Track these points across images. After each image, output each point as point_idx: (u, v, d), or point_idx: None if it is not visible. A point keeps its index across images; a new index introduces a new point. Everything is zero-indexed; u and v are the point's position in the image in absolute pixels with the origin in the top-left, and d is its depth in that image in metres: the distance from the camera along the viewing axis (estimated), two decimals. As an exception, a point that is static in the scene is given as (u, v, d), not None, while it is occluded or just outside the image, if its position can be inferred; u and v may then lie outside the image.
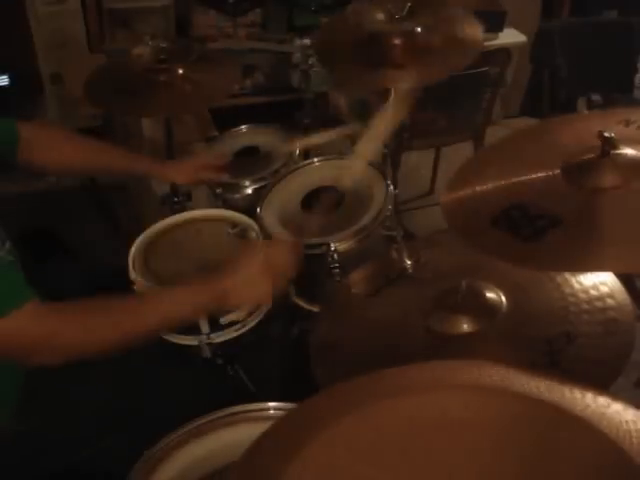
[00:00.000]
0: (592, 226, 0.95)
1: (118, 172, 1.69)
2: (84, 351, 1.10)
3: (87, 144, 1.63)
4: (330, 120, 3.03)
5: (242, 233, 1.56)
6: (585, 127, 1.12)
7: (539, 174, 1.05)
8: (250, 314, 1.47)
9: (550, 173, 1.04)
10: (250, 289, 1.26)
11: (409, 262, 1.29)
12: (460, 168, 1.18)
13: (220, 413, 1.12)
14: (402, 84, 1.57)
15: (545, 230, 0.94)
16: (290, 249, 1.33)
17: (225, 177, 1.82)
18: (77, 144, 1.61)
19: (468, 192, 1.10)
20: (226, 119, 2.23)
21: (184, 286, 1.27)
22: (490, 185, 1.09)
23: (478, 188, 1.09)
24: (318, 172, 1.75)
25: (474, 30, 1.77)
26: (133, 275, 1.46)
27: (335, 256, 1.51)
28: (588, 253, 0.93)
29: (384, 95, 1.74)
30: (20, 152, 1.47)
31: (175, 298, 1.23)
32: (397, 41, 1.75)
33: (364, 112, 2.77)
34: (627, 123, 1.08)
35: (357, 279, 1.36)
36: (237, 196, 1.84)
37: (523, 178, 1.06)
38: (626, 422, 0.60)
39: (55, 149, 1.55)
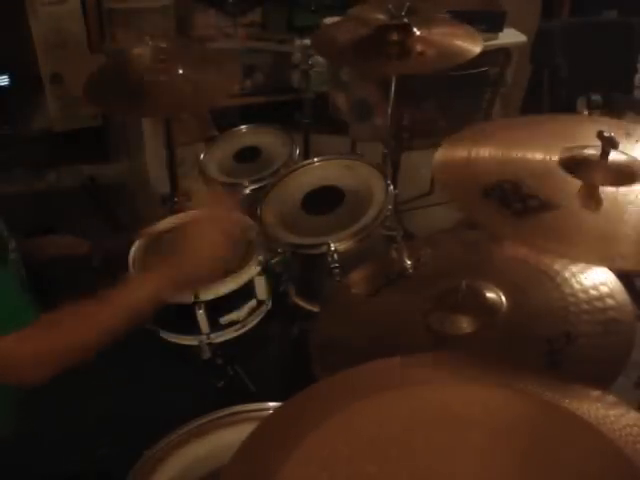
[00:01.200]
0: (581, 218, 0.95)
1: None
2: (68, 360, 1.11)
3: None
4: (330, 120, 3.04)
5: (242, 233, 1.56)
6: (583, 126, 1.13)
7: (537, 156, 1.05)
8: (250, 313, 1.47)
9: (548, 158, 1.05)
10: (207, 252, 1.26)
11: (409, 262, 1.29)
12: (465, 130, 1.17)
13: (220, 413, 1.12)
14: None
15: (536, 210, 0.95)
16: (225, 198, 1.35)
17: (222, 176, 1.81)
18: None
19: (463, 154, 1.10)
20: (226, 119, 2.23)
21: (144, 276, 1.29)
22: (487, 154, 1.09)
23: (474, 153, 1.09)
24: (318, 172, 1.75)
25: (471, 35, 1.79)
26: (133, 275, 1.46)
27: (335, 256, 1.51)
28: (570, 241, 0.93)
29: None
30: None
31: (139, 289, 1.22)
32: (395, 37, 1.76)
33: (364, 112, 2.77)
34: (627, 136, 1.08)
35: (357, 279, 1.36)
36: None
37: (520, 155, 1.07)
38: (627, 425, 0.60)
39: None
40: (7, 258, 1.24)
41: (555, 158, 1.04)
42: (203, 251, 1.26)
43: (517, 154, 1.07)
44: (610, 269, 1.10)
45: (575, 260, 1.10)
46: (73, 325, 1.14)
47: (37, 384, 1.11)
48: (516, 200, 0.96)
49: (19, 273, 1.29)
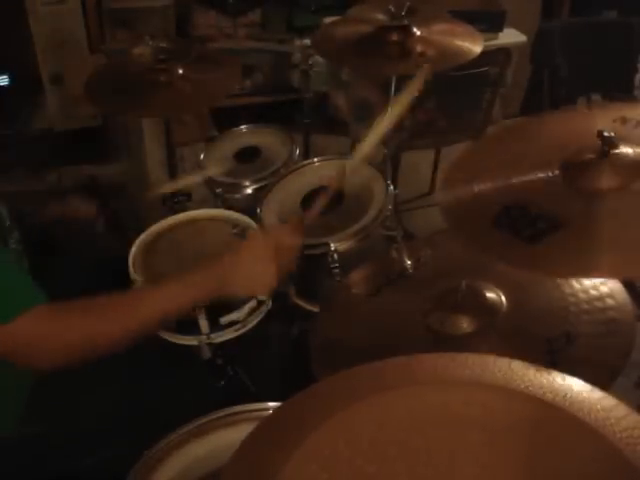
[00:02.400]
0: (593, 230, 0.94)
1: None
2: (84, 350, 1.09)
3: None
4: (330, 120, 3.04)
5: (242, 233, 1.56)
6: (581, 125, 1.12)
7: (538, 174, 1.05)
8: (250, 313, 1.47)
9: (549, 173, 1.04)
10: (254, 274, 1.22)
11: (409, 262, 1.29)
12: (454, 165, 1.17)
13: (220, 413, 1.12)
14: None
15: (545, 232, 0.94)
16: (293, 232, 1.29)
17: (221, 176, 1.81)
18: None
19: (466, 191, 1.09)
20: (226, 119, 2.23)
21: (181, 277, 1.22)
22: (488, 184, 1.08)
23: (476, 188, 1.09)
24: (318, 172, 1.75)
25: (471, 34, 1.79)
26: (133, 275, 1.46)
27: (335, 256, 1.51)
28: (589, 259, 0.92)
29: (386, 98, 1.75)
30: None
31: (172, 291, 1.19)
32: (395, 38, 1.76)
33: (364, 112, 2.77)
34: (623, 121, 1.07)
35: (357, 279, 1.36)
36: (237, 196, 1.84)
37: (522, 178, 1.06)
38: (628, 427, 0.60)
39: None
40: (7, 244, 1.23)
41: (556, 171, 1.04)
42: (254, 267, 1.21)
43: (518, 175, 1.06)
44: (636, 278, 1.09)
45: (600, 276, 1.08)
46: (97, 314, 1.11)
47: (47, 370, 1.08)
48: (525, 225, 0.95)
49: (21, 263, 1.28)
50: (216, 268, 1.21)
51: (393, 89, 2.03)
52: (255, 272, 1.22)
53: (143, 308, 1.15)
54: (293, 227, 1.30)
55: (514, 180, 1.06)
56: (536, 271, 1.01)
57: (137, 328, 1.13)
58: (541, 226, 0.94)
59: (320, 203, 1.35)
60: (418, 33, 1.78)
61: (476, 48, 1.75)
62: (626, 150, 1.00)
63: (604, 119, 1.08)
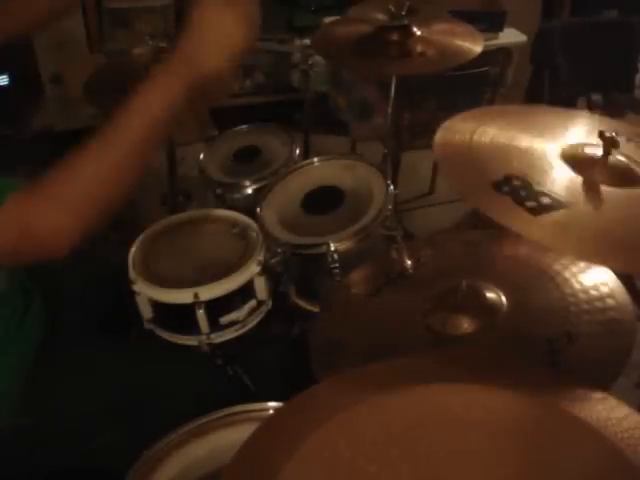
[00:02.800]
0: (594, 218, 0.94)
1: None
2: (91, 212, 0.96)
3: None
4: (330, 120, 3.04)
5: (242, 233, 1.56)
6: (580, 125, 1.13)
7: (539, 150, 1.04)
8: (250, 313, 1.47)
9: (550, 153, 1.03)
10: (224, 38, 1.05)
11: (409, 262, 1.29)
12: (462, 115, 1.15)
13: (220, 413, 1.12)
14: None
15: (549, 209, 0.93)
16: None
17: (221, 176, 1.79)
18: None
19: (465, 137, 1.07)
20: (226, 119, 2.23)
21: (151, 81, 1.07)
22: (488, 139, 1.06)
23: (476, 136, 1.06)
24: (318, 172, 1.75)
25: (472, 34, 1.79)
26: (133, 275, 1.46)
27: (335, 256, 1.51)
28: (589, 244, 0.91)
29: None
30: None
31: (149, 98, 1.04)
32: (395, 37, 1.76)
33: (364, 112, 2.77)
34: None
35: (357, 279, 1.35)
36: (237, 196, 1.84)
37: (523, 146, 1.05)
38: (629, 427, 0.60)
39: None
40: None
41: (557, 154, 1.03)
42: (219, 40, 1.04)
43: (520, 144, 1.05)
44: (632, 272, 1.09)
45: (593, 262, 1.08)
46: (88, 160, 0.98)
47: (63, 250, 0.95)
48: (529, 198, 0.95)
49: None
50: (181, 52, 1.05)
51: (393, 89, 2.03)
52: (224, 36, 1.05)
53: (130, 131, 1.00)
54: None
55: (515, 146, 1.05)
56: (535, 240, 0.99)
57: (135, 156, 0.99)
58: (544, 202, 0.94)
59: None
60: (418, 33, 1.79)
61: (476, 48, 1.75)
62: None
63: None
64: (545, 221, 0.91)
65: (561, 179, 0.99)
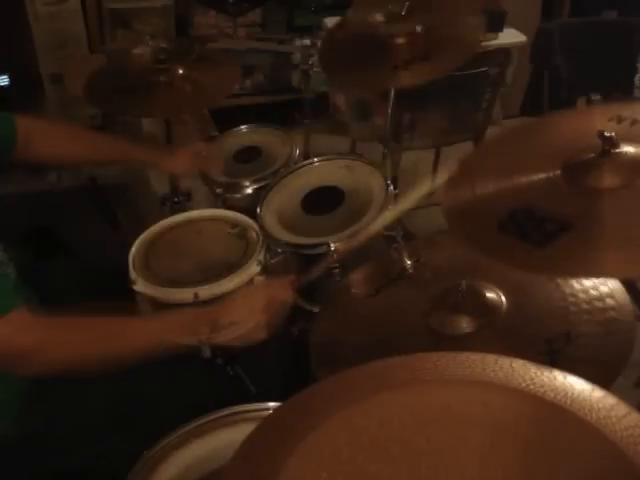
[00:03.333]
0: (599, 229, 0.94)
1: (118, 161, 1.76)
2: (67, 366, 1.10)
3: (86, 136, 1.67)
4: (330, 120, 3.04)
5: (242, 233, 1.56)
6: (577, 125, 1.12)
7: (540, 175, 1.04)
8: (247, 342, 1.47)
9: (551, 174, 1.03)
10: (244, 320, 1.24)
11: (409, 262, 1.29)
12: (456, 169, 1.16)
13: (220, 413, 1.12)
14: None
15: (555, 235, 0.93)
16: (287, 286, 1.32)
17: (221, 176, 1.82)
18: (76, 136, 1.62)
19: (468, 195, 1.08)
20: (226, 119, 2.23)
21: (173, 314, 1.27)
22: (491, 187, 1.08)
23: (478, 191, 1.08)
24: (318, 172, 1.75)
25: (474, 27, 1.78)
26: (133, 275, 1.46)
27: (335, 256, 1.51)
28: (597, 258, 0.91)
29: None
30: (17, 148, 1.45)
31: (164, 322, 1.22)
32: (398, 41, 1.75)
33: (364, 112, 2.77)
34: (619, 120, 1.06)
35: (357, 279, 1.36)
36: (237, 196, 1.84)
37: (524, 179, 1.05)
38: (629, 426, 0.60)
39: (53, 142, 1.54)
40: None
41: (558, 171, 1.03)
42: (243, 323, 1.23)
43: (520, 177, 1.05)
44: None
45: (611, 276, 1.07)
46: (92, 332, 1.13)
47: (31, 375, 1.10)
48: (533, 229, 0.94)
49: (5, 271, 1.28)
50: (210, 311, 1.25)
51: (393, 89, 2.03)
52: (245, 321, 1.23)
53: (136, 339, 1.17)
54: (287, 284, 1.32)
55: (515, 182, 1.06)
56: (547, 273, 1.00)
57: (124, 357, 1.13)
58: (550, 228, 0.94)
59: (318, 269, 1.37)
60: (419, 29, 1.77)
61: (477, 34, 1.74)
62: (626, 149, 1.00)
63: (600, 118, 1.07)
64: (553, 250, 0.92)
65: (566, 197, 0.99)
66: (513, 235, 0.96)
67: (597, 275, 1.07)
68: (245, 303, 1.26)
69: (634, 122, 1.05)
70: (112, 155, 1.66)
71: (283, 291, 1.31)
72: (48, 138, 1.53)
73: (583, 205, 0.97)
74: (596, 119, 1.08)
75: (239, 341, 1.30)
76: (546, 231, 0.93)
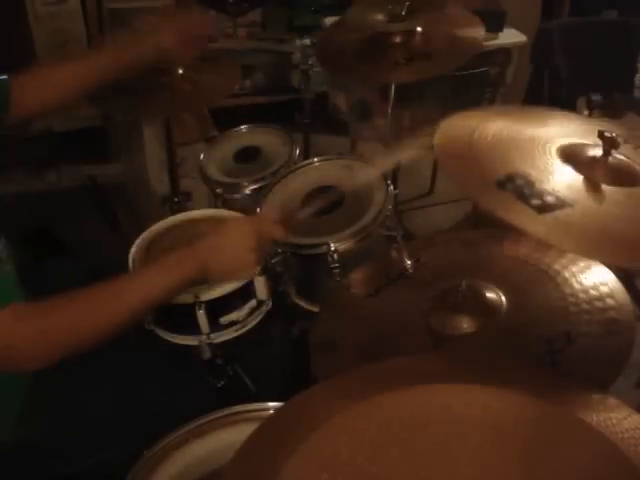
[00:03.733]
0: (597, 216, 0.94)
1: (112, 74, 1.55)
2: (71, 345, 1.08)
3: (73, 63, 1.52)
4: (330, 120, 3.04)
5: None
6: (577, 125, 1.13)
7: (539, 150, 1.03)
8: (250, 313, 1.47)
9: (550, 152, 1.03)
10: (232, 256, 1.23)
11: (409, 262, 1.29)
12: (461, 114, 1.15)
13: (220, 413, 1.12)
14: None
15: (553, 208, 0.93)
16: (277, 224, 1.31)
17: (221, 176, 1.82)
18: (64, 68, 1.50)
19: (466, 137, 1.06)
20: (226, 119, 2.23)
21: (162, 262, 1.24)
22: (489, 137, 1.05)
23: (476, 135, 1.05)
24: (318, 172, 1.75)
25: (474, 27, 1.78)
26: (133, 275, 1.46)
27: (335, 256, 1.51)
28: (593, 241, 0.91)
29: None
30: (14, 105, 1.38)
31: (154, 276, 1.19)
32: (397, 40, 1.76)
33: (364, 112, 2.77)
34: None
35: (357, 279, 1.35)
36: (237, 196, 1.84)
37: (524, 145, 1.04)
38: (629, 428, 0.60)
39: (45, 86, 1.45)
40: None
41: (556, 153, 1.03)
42: (235, 251, 1.23)
43: (521, 144, 1.04)
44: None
45: (599, 260, 1.08)
46: (80, 307, 1.11)
47: (39, 368, 1.07)
48: (533, 196, 0.94)
49: (4, 267, 1.28)
50: (197, 251, 1.22)
51: (393, 89, 2.03)
52: (234, 257, 1.23)
53: (127, 296, 1.14)
54: (279, 219, 1.33)
55: (517, 144, 1.04)
56: (540, 238, 0.98)
57: (122, 318, 1.12)
58: (549, 201, 0.93)
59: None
60: (419, 30, 1.78)
61: (479, 35, 1.74)
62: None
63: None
64: (550, 219, 0.91)
65: (563, 179, 0.99)
66: (512, 194, 0.95)
67: (592, 256, 1.07)
68: (233, 238, 1.24)
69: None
70: (102, 71, 1.51)
71: (271, 225, 1.31)
72: (39, 84, 1.44)
73: (582, 191, 0.97)
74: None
75: (229, 279, 1.34)
76: (545, 202, 0.93)
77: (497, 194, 0.95)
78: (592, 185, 0.97)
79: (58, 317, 1.09)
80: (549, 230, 0.91)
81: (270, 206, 1.68)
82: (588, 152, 1.03)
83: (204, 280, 1.29)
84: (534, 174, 0.98)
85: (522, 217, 0.92)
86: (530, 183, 0.96)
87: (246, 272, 1.32)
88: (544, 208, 0.92)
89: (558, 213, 0.91)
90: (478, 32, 1.75)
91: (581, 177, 0.98)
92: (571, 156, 1.02)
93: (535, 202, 0.93)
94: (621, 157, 1.02)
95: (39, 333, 1.06)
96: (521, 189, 0.95)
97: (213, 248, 1.23)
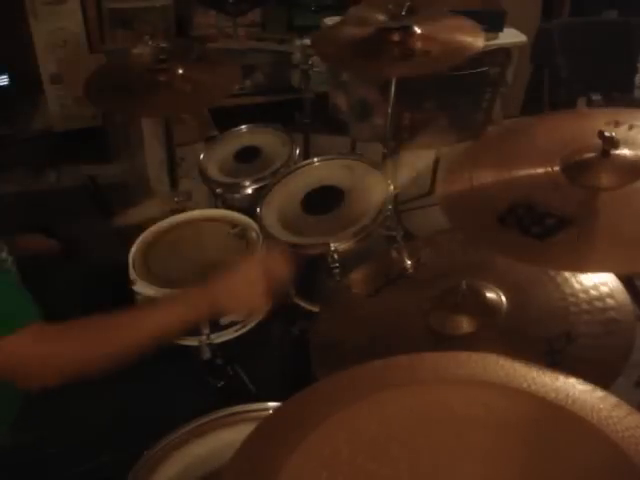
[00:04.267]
0: (597, 226, 0.94)
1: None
2: (81, 369, 1.09)
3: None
4: (330, 120, 3.04)
5: (242, 233, 1.56)
6: (576, 125, 1.12)
7: (538, 170, 1.04)
8: (249, 316, 1.47)
9: (550, 169, 1.04)
10: (244, 295, 1.25)
11: (409, 262, 1.29)
12: (454, 162, 1.17)
13: (220, 413, 1.12)
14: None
15: (555, 230, 0.93)
16: (286, 259, 1.32)
17: (221, 176, 1.82)
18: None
19: (466, 186, 1.08)
20: (226, 119, 2.23)
21: (176, 297, 1.26)
22: (489, 179, 1.08)
23: (476, 182, 1.08)
24: (318, 172, 1.75)
25: (472, 28, 1.79)
26: (133, 275, 1.46)
27: (335, 256, 1.51)
28: (595, 254, 0.92)
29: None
30: None
31: (169, 314, 1.21)
32: (397, 38, 1.76)
33: (364, 112, 2.77)
34: (617, 124, 1.07)
35: (357, 279, 1.35)
36: (237, 196, 1.84)
37: (523, 173, 1.05)
38: (630, 427, 0.60)
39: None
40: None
41: (557, 167, 1.03)
42: (243, 296, 1.25)
43: (519, 171, 1.06)
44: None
45: (610, 271, 1.08)
46: (94, 334, 1.13)
47: (42, 387, 1.09)
48: (534, 223, 0.95)
49: (13, 275, 1.28)
50: (210, 291, 1.23)
51: (393, 89, 2.03)
52: (245, 294, 1.25)
53: (140, 332, 1.16)
54: (284, 257, 1.33)
55: (514, 176, 1.06)
56: (545, 266, 1.00)
57: (130, 352, 1.13)
58: (549, 224, 0.94)
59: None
60: (419, 31, 1.78)
61: (478, 41, 1.74)
62: (624, 151, 1.00)
63: (596, 122, 1.08)
64: (553, 244, 0.92)
65: (566, 193, 0.99)
66: (513, 228, 0.96)
67: (594, 270, 1.07)
68: (243, 277, 1.26)
69: (631, 127, 1.05)
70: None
71: (281, 264, 1.31)
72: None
73: (582, 202, 0.97)
74: (594, 121, 1.08)
75: (240, 315, 1.36)
76: (546, 226, 0.94)
77: (500, 232, 0.96)
78: (592, 193, 0.97)
79: (71, 343, 1.11)
80: (552, 256, 0.93)
81: (270, 206, 1.68)
82: (587, 156, 1.02)
83: (214, 316, 1.32)
84: (535, 196, 0.99)
85: (525, 250, 0.94)
86: (531, 209, 0.97)
87: (257, 312, 1.34)
88: (545, 233, 0.93)
89: (560, 235, 0.92)
90: (477, 40, 1.76)
91: (582, 188, 0.99)
92: (571, 165, 1.02)
93: (536, 230, 0.93)
94: (624, 152, 1.01)
95: (51, 357, 1.08)
96: (522, 220, 0.96)
97: (226, 289, 1.24)
